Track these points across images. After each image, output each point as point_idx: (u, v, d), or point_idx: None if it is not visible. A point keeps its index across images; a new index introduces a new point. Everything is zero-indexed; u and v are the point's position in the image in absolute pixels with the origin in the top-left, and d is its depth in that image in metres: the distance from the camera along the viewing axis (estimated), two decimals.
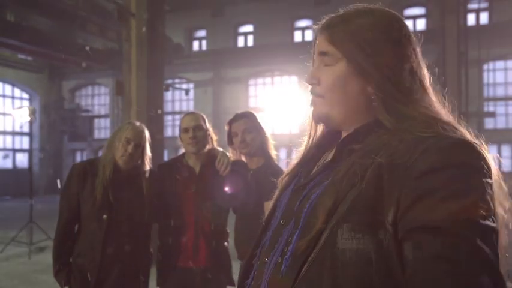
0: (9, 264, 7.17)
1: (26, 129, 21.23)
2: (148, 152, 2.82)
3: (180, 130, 2.91)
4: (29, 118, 7.92)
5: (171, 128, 20.81)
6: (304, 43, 20.35)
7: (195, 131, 2.83)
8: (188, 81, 21.37)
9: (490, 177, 0.85)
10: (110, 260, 2.60)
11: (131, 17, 7.04)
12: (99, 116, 22.97)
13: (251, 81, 21.14)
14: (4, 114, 20.69)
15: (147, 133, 2.81)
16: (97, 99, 23.20)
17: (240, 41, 21.76)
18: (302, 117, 4.53)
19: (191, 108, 21.34)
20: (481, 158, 0.85)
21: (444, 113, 1.00)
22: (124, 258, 2.64)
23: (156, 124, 7.18)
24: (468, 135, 0.92)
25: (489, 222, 0.77)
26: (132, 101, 6.95)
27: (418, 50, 1.08)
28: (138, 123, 2.83)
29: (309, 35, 20.65)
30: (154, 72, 7.31)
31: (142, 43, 7.07)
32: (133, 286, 2.72)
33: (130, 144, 2.67)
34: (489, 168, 0.87)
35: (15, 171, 20.67)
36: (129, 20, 7.04)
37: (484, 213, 0.77)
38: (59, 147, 22.34)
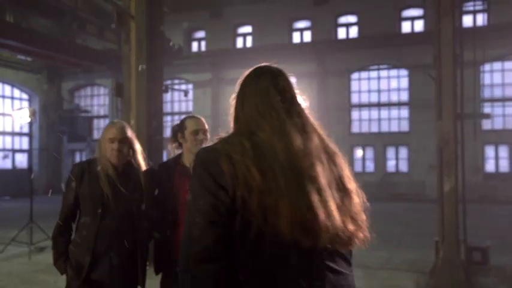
0: (9, 264, 7.24)
1: (25, 129, 21.32)
2: (137, 147, 2.98)
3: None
4: (29, 119, 7.99)
5: (170, 129, 20.86)
6: (302, 44, 20.44)
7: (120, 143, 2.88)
8: (187, 82, 21.44)
9: (206, 169, 1.39)
10: (103, 251, 2.80)
11: (130, 19, 7.11)
12: (98, 117, 23.04)
13: None
14: (3, 114, 20.76)
15: (129, 128, 2.95)
16: (96, 100, 23.27)
17: (239, 42, 21.84)
18: None
19: (190, 109, 21.41)
20: (205, 158, 1.43)
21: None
22: (117, 249, 2.82)
23: (156, 125, 7.26)
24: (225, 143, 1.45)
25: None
26: (131, 102, 7.02)
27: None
28: (117, 121, 3.03)
29: (307, 36, 20.73)
30: (153, 73, 7.38)
31: (142, 45, 7.14)
32: (127, 277, 2.86)
33: (114, 142, 2.85)
34: (208, 163, 1.40)
35: (14, 171, 20.74)
36: (128, 22, 7.11)
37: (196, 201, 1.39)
38: (58, 148, 22.39)
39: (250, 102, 1.55)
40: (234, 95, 1.64)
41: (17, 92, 21.66)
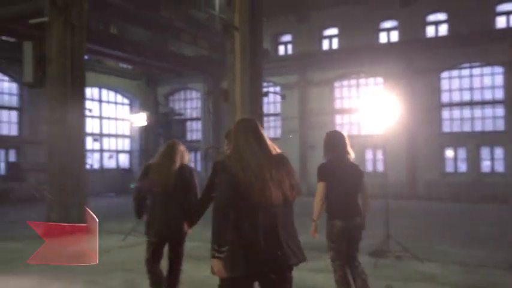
0: (132, 250, 8.21)
1: (126, 132, 23.17)
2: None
3: None
4: (146, 123, 8.99)
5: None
6: (389, 44, 20.33)
7: None
8: (274, 84, 22.08)
9: (216, 171, 3.69)
10: None
11: (235, 30, 7.79)
12: (191, 119, 24.38)
13: (336, 83, 21.44)
14: (109, 118, 22.73)
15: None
16: (189, 103, 24.68)
17: (325, 44, 22.14)
18: (388, 119, 5.40)
19: (278, 111, 22.08)
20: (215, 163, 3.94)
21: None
22: None
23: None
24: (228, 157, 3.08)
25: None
26: (236, 106, 7.70)
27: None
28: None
29: (394, 36, 20.58)
30: (255, 79, 8.02)
31: (245, 54, 7.81)
32: None
33: None
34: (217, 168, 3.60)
35: (118, 170, 22.65)
36: (233, 33, 7.80)
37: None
38: (155, 149, 23.97)
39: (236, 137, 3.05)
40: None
41: (119, 98, 23.61)
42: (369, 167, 20.32)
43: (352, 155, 4.63)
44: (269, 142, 3.06)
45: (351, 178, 4.55)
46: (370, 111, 8.39)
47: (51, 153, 10.21)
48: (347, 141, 4.61)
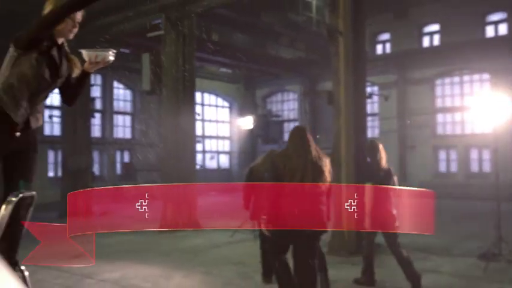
0: (241, 246, 8.75)
1: (226, 133, 24.23)
2: None
3: None
4: (252, 126, 9.52)
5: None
6: (497, 38, 19.25)
7: None
8: (372, 84, 21.78)
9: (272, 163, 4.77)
10: None
11: (339, 35, 8.01)
12: (289, 120, 24.82)
13: (438, 81, 20.72)
14: (210, 121, 23.95)
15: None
16: (286, 105, 25.17)
17: (425, 41, 21.47)
18: (499, 117, 5.49)
19: (376, 111, 21.78)
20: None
21: None
22: None
23: (362, 127, 8.06)
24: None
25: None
26: (341, 109, 7.92)
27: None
28: None
29: (503, 29, 19.43)
30: (358, 82, 8.18)
31: (349, 58, 8.00)
32: None
33: None
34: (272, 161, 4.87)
35: (219, 170, 23.77)
36: (337, 38, 8.02)
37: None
38: (253, 150, 24.79)
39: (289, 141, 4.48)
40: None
41: (220, 101, 24.79)
42: (474, 168, 19.39)
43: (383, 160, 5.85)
44: (313, 146, 4.26)
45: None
46: (479, 109, 8.18)
47: (165, 155, 11.11)
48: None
